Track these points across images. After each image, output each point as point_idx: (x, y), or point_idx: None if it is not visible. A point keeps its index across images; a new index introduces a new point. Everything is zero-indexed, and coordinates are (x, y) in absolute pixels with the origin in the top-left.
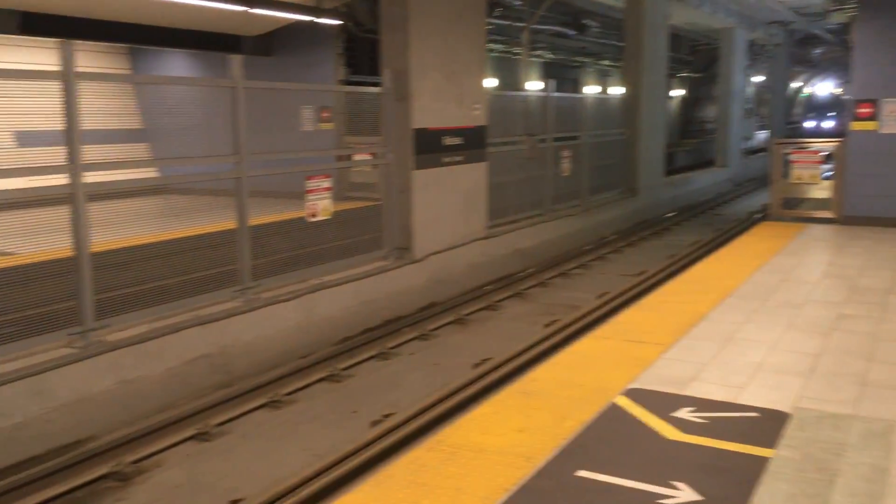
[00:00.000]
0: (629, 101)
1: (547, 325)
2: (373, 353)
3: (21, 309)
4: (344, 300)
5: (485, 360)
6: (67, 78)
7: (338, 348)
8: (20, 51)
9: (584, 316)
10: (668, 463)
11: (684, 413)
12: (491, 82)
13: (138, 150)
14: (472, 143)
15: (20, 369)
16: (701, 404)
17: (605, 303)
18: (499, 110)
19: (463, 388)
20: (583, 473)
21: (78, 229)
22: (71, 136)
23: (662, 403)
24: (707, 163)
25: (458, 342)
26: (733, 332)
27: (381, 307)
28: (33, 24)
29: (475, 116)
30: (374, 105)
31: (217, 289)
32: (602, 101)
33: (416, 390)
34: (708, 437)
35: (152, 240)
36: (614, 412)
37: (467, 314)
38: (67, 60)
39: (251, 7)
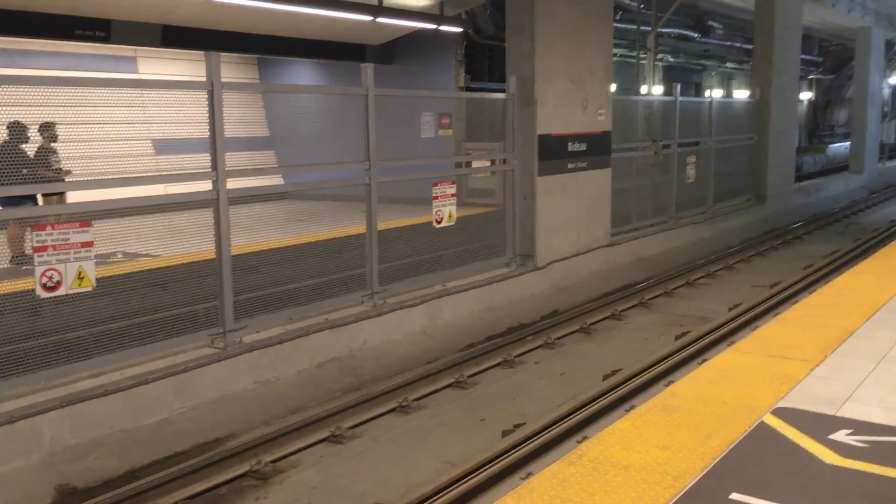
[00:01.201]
0: (757, 105)
1: (678, 337)
2: (498, 360)
3: (165, 309)
4: (468, 306)
5: (614, 372)
6: (213, 88)
7: (463, 355)
8: (161, 62)
9: (717, 328)
10: (831, 489)
11: (842, 436)
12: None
13: (266, 156)
14: (597, 148)
15: (165, 368)
16: (860, 427)
17: (739, 315)
18: (622, 115)
19: (595, 399)
20: (738, 497)
21: (220, 233)
22: (215, 143)
23: (817, 424)
24: (839, 168)
25: (584, 352)
26: (888, 348)
27: (505, 314)
28: (172, 37)
29: (600, 122)
30: (496, 111)
31: (346, 293)
32: (728, 104)
33: (543, 400)
34: (871, 462)
35: (284, 244)
36: (764, 432)
37: (592, 323)
38: (213, 71)
39: (379, 17)
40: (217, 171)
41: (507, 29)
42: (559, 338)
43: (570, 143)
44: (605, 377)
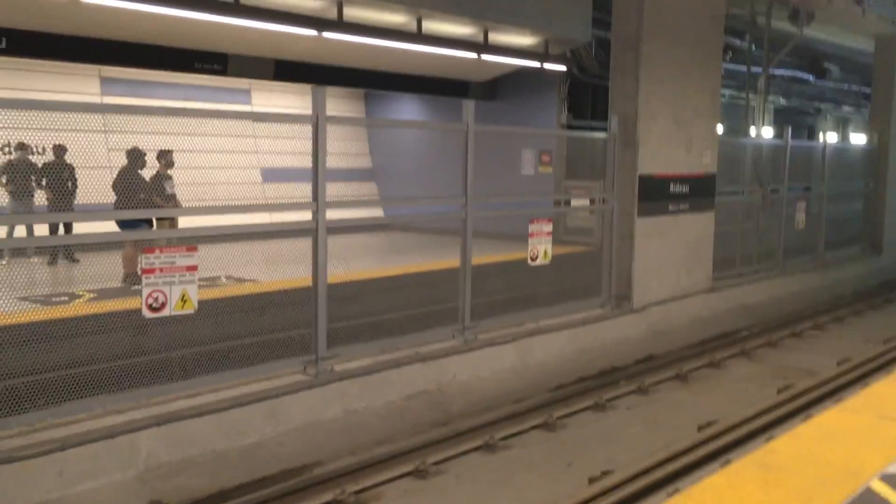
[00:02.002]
0: (876, 150)
1: (780, 391)
2: (588, 403)
3: (261, 334)
4: (559, 346)
5: (710, 423)
6: (317, 121)
7: (552, 395)
8: (273, 94)
9: (824, 383)
10: None
11: None
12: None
13: (368, 188)
14: (700, 190)
15: (258, 392)
16: None
17: (849, 370)
18: (728, 157)
19: (688, 451)
20: None
21: (317, 262)
22: (317, 174)
23: None
24: None
25: (680, 400)
26: None
27: (597, 356)
28: (284, 71)
29: (704, 163)
30: (597, 150)
31: (437, 327)
32: (843, 149)
33: (634, 447)
34: None
35: (380, 274)
36: (870, 498)
37: (689, 370)
38: (318, 104)
39: (483, 54)
40: (317, 201)
41: (612, 68)
42: (653, 384)
43: (671, 185)
44: (701, 428)
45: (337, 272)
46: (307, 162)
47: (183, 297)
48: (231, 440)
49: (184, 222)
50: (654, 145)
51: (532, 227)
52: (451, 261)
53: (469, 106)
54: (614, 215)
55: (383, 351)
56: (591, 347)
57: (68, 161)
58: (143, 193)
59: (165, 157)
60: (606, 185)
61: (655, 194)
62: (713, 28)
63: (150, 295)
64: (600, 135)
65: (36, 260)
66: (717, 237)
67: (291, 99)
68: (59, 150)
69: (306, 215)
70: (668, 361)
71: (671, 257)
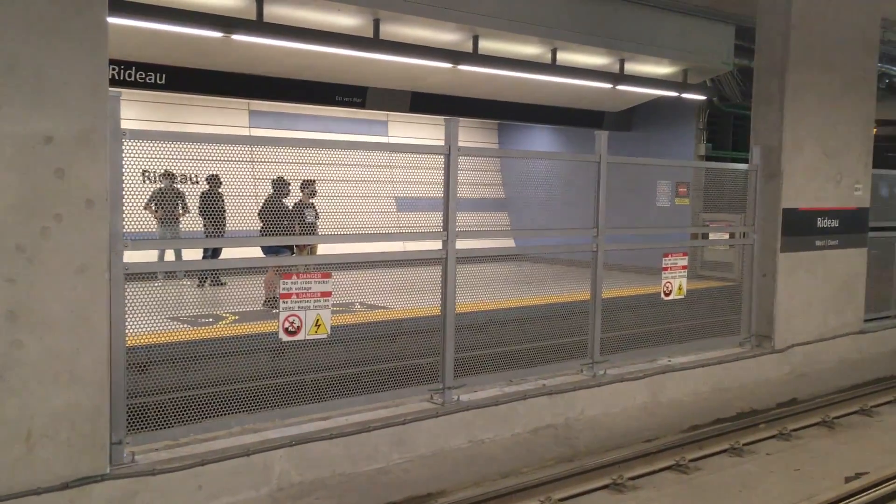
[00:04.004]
0: None
1: None
2: (724, 446)
3: (391, 360)
4: (693, 385)
5: (859, 475)
6: (449, 152)
7: (685, 436)
8: (409, 126)
9: None
10: None
11: None
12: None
13: (499, 218)
14: (850, 226)
15: (386, 418)
16: None
17: None
18: (885, 191)
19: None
20: None
21: (446, 291)
22: (448, 204)
23: None
24: None
25: (825, 448)
26: None
27: (734, 397)
28: (420, 103)
29: (856, 197)
30: (737, 182)
31: (565, 359)
32: None
33: (773, 497)
34: None
35: (509, 305)
36: None
37: (836, 417)
38: (450, 136)
39: (619, 84)
40: (448, 231)
41: (754, 97)
42: (796, 429)
43: (819, 219)
44: (848, 480)
45: (465, 301)
46: (440, 192)
47: (317, 321)
48: (358, 464)
49: (322, 249)
50: (799, 177)
51: (666, 261)
52: (581, 293)
53: (602, 137)
54: (755, 250)
55: (510, 382)
56: (728, 387)
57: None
58: (286, 221)
59: (309, 186)
60: (747, 218)
61: (801, 229)
62: (866, 54)
63: (286, 319)
64: (741, 166)
65: (186, 282)
66: (871, 276)
67: (427, 130)
68: (213, 180)
69: (437, 244)
70: (813, 406)
71: (817, 295)
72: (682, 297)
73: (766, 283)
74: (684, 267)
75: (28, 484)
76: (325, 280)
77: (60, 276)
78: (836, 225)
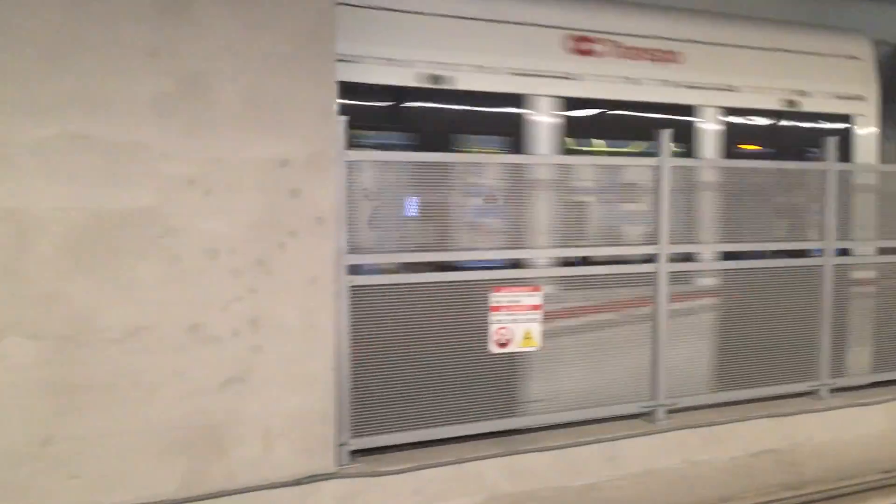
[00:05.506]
0: None
1: None
2: None
3: (598, 374)
4: None
5: None
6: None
7: None
8: None
9: None
10: None
11: None
12: None
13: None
14: None
15: (596, 434)
16: None
17: None
18: None
19: None
20: None
21: (658, 306)
22: (659, 219)
23: None
24: None
25: None
26: None
27: None
28: None
29: None
30: None
31: (790, 381)
32: None
33: None
34: None
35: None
36: None
37: None
38: (662, 148)
39: None
40: (659, 244)
41: None
42: None
43: None
44: None
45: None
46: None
47: (526, 334)
48: (568, 478)
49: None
50: None
51: None
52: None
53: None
54: None
55: (728, 402)
56: None
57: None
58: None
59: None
60: None
61: None
62: None
63: (497, 331)
64: None
65: None
66: None
67: None
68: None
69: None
70: None
71: None
72: None
73: None
74: None
75: (265, 478)
76: (534, 293)
77: (294, 287)
78: None
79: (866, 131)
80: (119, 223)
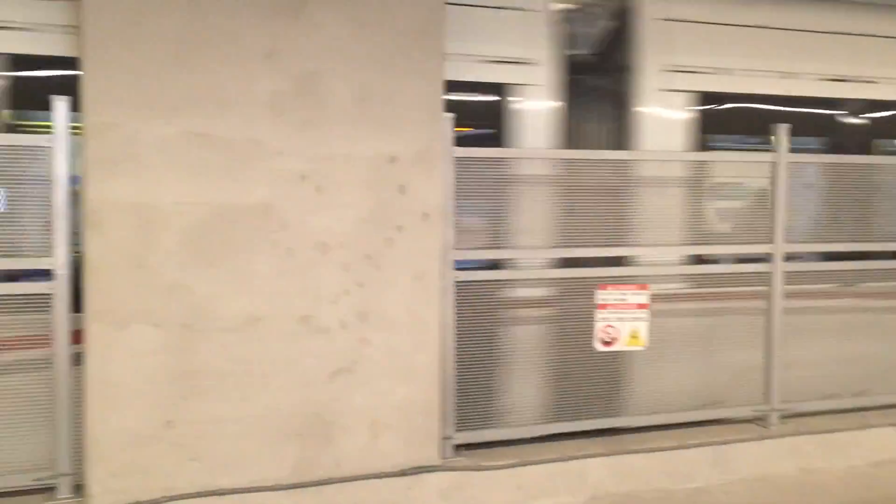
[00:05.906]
0: None
1: None
2: None
3: (707, 375)
4: None
5: None
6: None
7: None
8: None
9: None
10: None
11: None
12: None
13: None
14: None
15: (704, 437)
16: None
17: None
18: None
19: None
20: None
21: (771, 305)
22: (775, 220)
23: None
24: None
25: None
26: None
27: None
28: None
29: None
30: None
31: None
32: None
33: None
34: None
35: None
36: None
37: None
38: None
39: None
40: (774, 244)
41: None
42: None
43: None
44: None
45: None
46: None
47: (633, 333)
48: (675, 481)
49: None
50: None
51: None
52: None
53: None
54: None
55: (847, 409)
56: None
57: None
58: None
59: None
60: None
61: None
62: None
63: (603, 329)
64: None
65: None
66: None
67: None
68: None
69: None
70: None
71: None
72: None
73: None
74: None
75: (371, 468)
76: (641, 291)
77: (400, 282)
78: None
79: None
80: (236, 218)
